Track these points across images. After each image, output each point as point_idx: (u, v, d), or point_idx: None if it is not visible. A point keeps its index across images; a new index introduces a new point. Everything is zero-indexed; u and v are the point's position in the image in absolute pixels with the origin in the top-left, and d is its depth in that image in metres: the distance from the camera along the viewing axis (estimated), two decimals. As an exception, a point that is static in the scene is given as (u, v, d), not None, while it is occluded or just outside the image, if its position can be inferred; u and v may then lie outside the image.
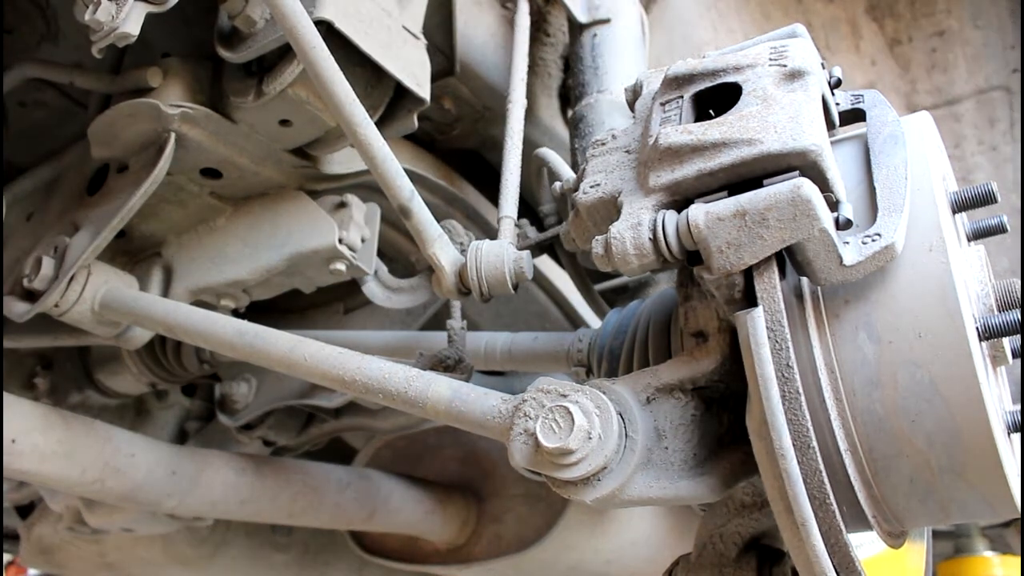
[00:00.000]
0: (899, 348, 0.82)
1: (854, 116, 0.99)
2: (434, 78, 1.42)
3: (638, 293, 1.64)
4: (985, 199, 0.93)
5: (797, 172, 0.80)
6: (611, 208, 0.94)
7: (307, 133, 1.41)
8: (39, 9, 1.50)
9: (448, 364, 1.34)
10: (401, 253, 1.78)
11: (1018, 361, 0.96)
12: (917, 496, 0.85)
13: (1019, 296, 0.91)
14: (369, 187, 1.55)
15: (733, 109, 0.87)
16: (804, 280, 0.86)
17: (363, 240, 1.50)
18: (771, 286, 0.80)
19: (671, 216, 0.84)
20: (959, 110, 2.47)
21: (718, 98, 0.93)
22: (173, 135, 1.33)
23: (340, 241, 1.44)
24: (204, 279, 1.53)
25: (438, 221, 1.20)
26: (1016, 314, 0.85)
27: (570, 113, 1.70)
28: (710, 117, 0.89)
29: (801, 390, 0.78)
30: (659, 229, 0.84)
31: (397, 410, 1.23)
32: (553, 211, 1.66)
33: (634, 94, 1.07)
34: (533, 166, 1.55)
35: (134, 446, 1.68)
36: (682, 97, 0.95)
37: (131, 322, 1.47)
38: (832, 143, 0.88)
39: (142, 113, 1.33)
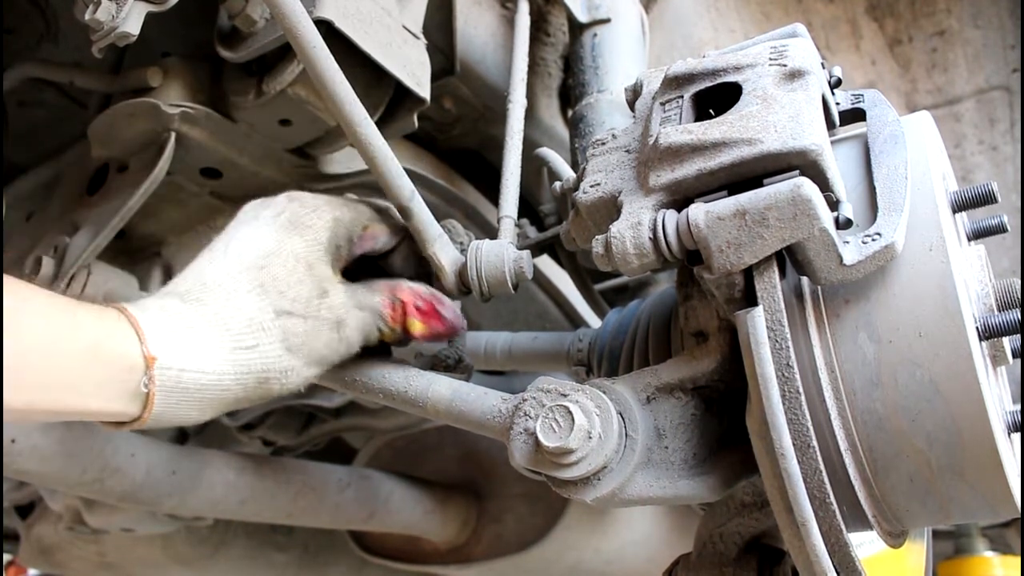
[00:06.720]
0: (899, 348, 0.82)
1: (854, 116, 0.99)
2: (434, 78, 1.42)
3: (638, 293, 1.63)
4: (985, 199, 0.93)
5: (797, 172, 0.80)
6: (611, 208, 0.93)
7: (307, 133, 1.41)
8: (39, 9, 1.50)
9: (448, 364, 1.34)
10: (401, 253, 1.78)
11: (1018, 361, 0.96)
12: (917, 496, 0.85)
13: (1019, 296, 0.91)
14: (369, 187, 1.55)
15: (733, 109, 0.87)
16: (804, 280, 0.86)
17: (363, 240, 1.49)
18: (771, 286, 0.80)
19: (671, 216, 0.84)
20: (959, 110, 2.47)
21: (718, 98, 0.93)
22: (173, 135, 1.33)
23: (340, 241, 1.44)
24: (204, 279, 1.53)
25: (438, 221, 1.19)
26: (1016, 314, 0.85)
27: (570, 113, 1.69)
28: (710, 117, 0.89)
29: (801, 390, 0.78)
30: (659, 228, 0.84)
31: (397, 410, 1.22)
32: (553, 211, 1.66)
33: (634, 94, 1.06)
34: (533, 166, 1.55)
35: (134, 446, 1.68)
36: (682, 97, 0.94)
37: (131, 322, 1.47)
38: (832, 143, 0.88)
39: (142, 113, 1.33)
